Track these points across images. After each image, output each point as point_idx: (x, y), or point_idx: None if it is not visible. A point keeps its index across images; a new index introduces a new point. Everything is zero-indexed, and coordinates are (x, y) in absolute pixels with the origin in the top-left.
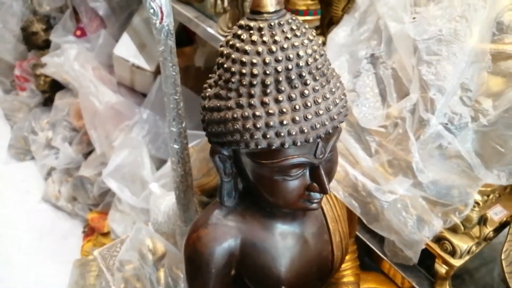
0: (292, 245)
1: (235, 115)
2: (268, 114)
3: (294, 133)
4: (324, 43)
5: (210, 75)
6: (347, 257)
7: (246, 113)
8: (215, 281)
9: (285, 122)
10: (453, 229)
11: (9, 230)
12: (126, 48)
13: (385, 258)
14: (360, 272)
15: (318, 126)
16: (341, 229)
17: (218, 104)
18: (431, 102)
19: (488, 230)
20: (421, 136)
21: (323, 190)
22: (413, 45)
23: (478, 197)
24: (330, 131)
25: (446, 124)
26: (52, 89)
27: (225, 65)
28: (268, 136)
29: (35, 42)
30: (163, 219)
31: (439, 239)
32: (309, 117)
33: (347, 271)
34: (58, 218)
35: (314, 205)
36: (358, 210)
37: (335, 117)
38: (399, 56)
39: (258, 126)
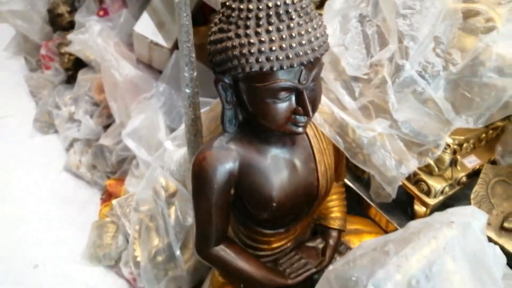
0: (282, 168)
1: (234, 44)
2: (260, 41)
3: (281, 58)
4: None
5: (216, 16)
6: (335, 196)
7: (243, 41)
8: (217, 197)
9: (273, 49)
10: (429, 172)
11: (32, 197)
12: (145, 26)
13: (372, 203)
14: (348, 215)
15: (301, 54)
16: (326, 161)
17: (221, 36)
18: (406, 50)
19: (461, 174)
20: (397, 80)
21: (306, 113)
22: (394, 3)
23: (449, 140)
24: (312, 60)
25: (421, 72)
26: (75, 67)
27: (227, 3)
28: (260, 60)
29: (60, 23)
30: (175, 167)
31: (416, 182)
32: (294, 45)
33: (335, 208)
34: (78, 187)
35: (300, 129)
36: (341, 145)
37: (316, 49)
38: (383, 14)
39: (252, 51)
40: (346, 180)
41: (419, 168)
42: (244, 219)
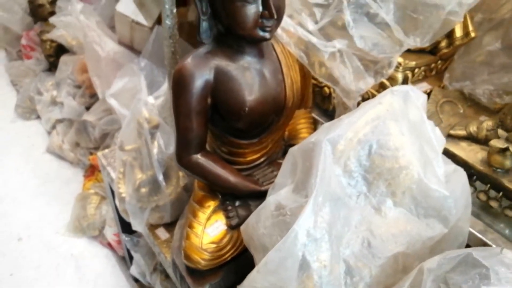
0: (253, 77)
1: None
2: None
3: None
4: None
5: None
6: (303, 120)
7: None
8: (196, 102)
9: None
10: (384, 88)
11: (16, 177)
12: (127, 6)
13: None
14: None
15: None
16: (292, 76)
17: None
18: None
19: None
20: (351, 0)
21: (271, 14)
22: None
23: (400, 60)
24: None
25: None
26: (57, 53)
27: None
28: None
29: (41, 14)
30: (157, 110)
31: None
32: None
33: (303, 130)
34: (61, 166)
35: (267, 34)
36: (306, 61)
37: None
38: None
39: None
40: (314, 115)
41: (374, 89)
42: (220, 132)
